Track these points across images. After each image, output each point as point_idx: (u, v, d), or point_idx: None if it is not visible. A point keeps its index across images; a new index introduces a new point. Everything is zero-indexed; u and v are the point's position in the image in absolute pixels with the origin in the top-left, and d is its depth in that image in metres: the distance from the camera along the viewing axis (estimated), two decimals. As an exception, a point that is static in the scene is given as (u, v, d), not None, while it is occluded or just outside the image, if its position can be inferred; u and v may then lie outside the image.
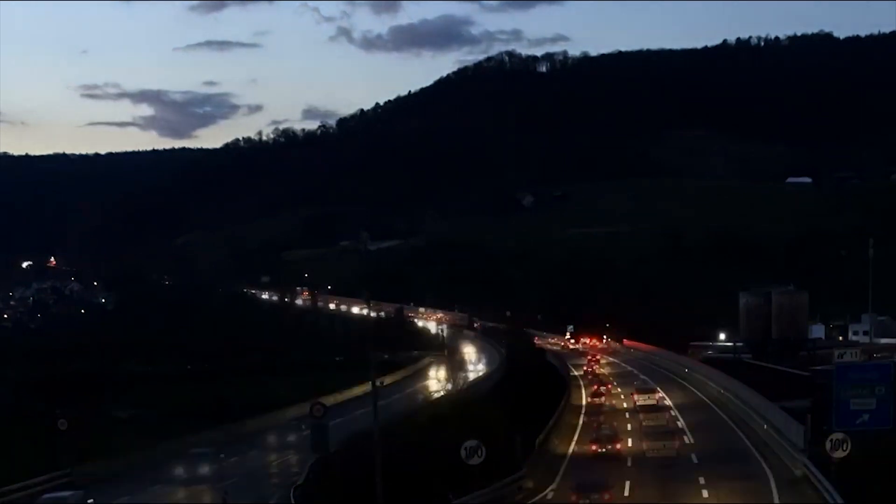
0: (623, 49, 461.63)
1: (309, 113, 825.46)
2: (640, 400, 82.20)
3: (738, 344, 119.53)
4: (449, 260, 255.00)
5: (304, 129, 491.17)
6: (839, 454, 43.67)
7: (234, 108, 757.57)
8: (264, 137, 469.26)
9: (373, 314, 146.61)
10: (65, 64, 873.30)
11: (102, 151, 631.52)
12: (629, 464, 56.14)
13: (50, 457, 59.60)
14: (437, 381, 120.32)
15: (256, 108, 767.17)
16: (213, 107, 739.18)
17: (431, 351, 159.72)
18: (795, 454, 51.27)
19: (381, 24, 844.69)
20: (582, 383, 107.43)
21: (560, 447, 63.28)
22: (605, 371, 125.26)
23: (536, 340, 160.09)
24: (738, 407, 74.13)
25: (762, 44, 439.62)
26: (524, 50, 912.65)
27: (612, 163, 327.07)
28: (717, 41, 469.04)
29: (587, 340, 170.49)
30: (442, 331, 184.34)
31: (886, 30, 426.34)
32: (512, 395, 79.50)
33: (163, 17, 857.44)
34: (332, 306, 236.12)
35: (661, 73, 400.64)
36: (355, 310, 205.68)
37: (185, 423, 78.37)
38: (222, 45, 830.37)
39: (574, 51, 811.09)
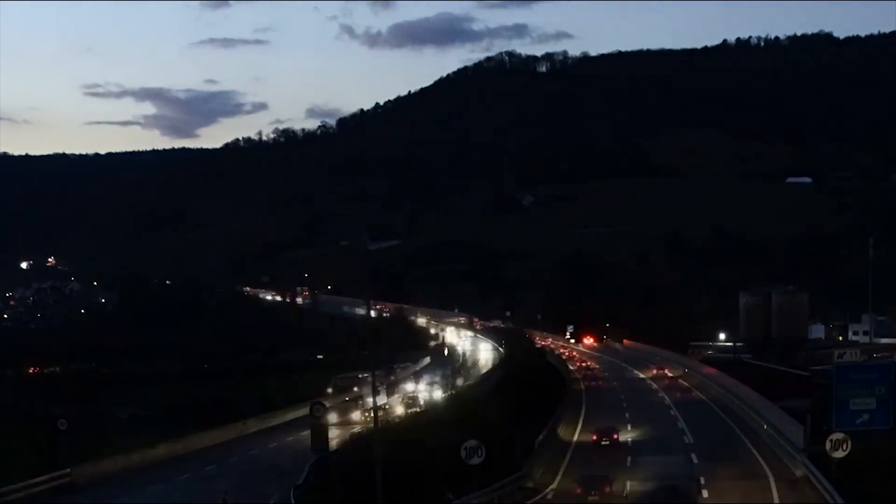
0: (623, 49, 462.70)
1: (313, 111, 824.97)
2: None
3: (738, 344, 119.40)
4: (449, 260, 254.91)
5: (304, 129, 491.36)
6: (839, 454, 43.65)
7: (238, 106, 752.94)
8: (264, 137, 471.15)
9: (373, 314, 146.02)
10: (68, 62, 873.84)
11: (103, 151, 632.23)
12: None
13: (50, 457, 59.49)
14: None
15: (260, 107, 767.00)
16: (217, 105, 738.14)
17: (431, 351, 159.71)
18: (795, 454, 51.22)
19: (381, 23, 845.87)
20: None
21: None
22: None
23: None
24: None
25: (762, 44, 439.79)
26: (526, 47, 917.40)
27: (612, 163, 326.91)
28: (717, 41, 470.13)
29: None
30: (441, 331, 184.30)
31: (886, 30, 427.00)
32: (512, 395, 79.47)
33: (166, 15, 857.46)
34: (330, 307, 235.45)
35: (661, 73, 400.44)
36: (357, 310, 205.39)
37: (185, 423, 78.34)
38: (226, 42, 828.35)
39: (576, 48, 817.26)
